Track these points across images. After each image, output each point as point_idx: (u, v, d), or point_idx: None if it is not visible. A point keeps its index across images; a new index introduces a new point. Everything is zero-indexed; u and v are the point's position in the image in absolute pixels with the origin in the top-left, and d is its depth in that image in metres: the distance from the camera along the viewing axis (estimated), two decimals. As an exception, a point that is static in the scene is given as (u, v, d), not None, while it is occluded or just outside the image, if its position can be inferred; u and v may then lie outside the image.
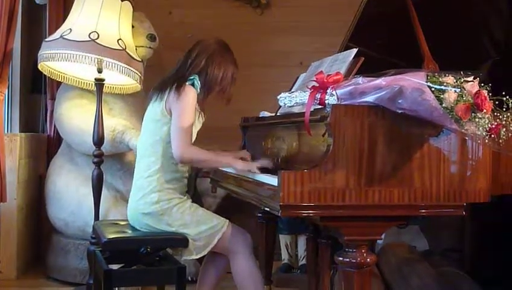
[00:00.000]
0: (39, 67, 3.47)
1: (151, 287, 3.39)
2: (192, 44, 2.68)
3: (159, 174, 2.51)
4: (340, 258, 1.96)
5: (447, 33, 2.78)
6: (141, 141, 2.64)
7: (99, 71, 3.32)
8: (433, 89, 1.82)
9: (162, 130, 2.52)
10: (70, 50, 3.24)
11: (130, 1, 3.56)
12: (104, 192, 3.53)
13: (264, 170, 2.39)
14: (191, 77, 2.55)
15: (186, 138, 2.45)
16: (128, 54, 3.36)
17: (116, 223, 2.72)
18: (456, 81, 1.85)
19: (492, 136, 1.87)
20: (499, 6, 3.06)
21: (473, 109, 1.82)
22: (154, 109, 2.57)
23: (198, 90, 2.55)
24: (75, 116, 3.72)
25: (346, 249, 1.96)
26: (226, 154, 2.71)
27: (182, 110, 2.47)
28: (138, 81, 3.48)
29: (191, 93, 2.50)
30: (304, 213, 1.86)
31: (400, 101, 1.82)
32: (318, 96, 1.99)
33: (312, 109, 2.02)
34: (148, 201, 2.49)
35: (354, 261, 1.93)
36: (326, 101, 1.97)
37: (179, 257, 2.54)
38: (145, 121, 2.64)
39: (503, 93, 1.86)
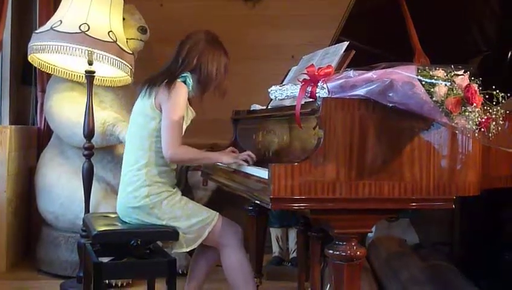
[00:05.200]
0: (29, 59, 3.44)
1: (142, 280, 3.39)
2: (182, 38, 2.63)
3: (148, 168, 2.49)
4: (330, 251, 1.96)
5: (438, 27, 2.79)
6: (129, 134, 2.62)
7: (90, 63, 3.30)
8: (423, 82, 1.82)
9: (151, 124, 2.49)
10: (61, 42, 3.22)
11: (121, -7, 3.54)
12: (95, 185, 3.52)
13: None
14: (184, 74, 2.52)
15: (176, 138, 2.43)
16: (119, 46, 3.34)
17: (107, 216, 2.71)
18: (447, 75, 1.85)
19: (482, 130, 1.88)
20: (490, 1, 3.07)
21: (463, 102, 1.82)
22: (143, 103, 2.54)
23: (190, 88, 2.54)
24: (65, 109, 3.70)
25: (337, 242, 1.96)
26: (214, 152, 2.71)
27: (173, 108, 2.44)
28: (129, 73, 3.46)
29: (182, 91, 2.47)
30: (295, 206, 1.86)
31: (390, 94, 1.82)
32: (309, 89, 1.99)
33: (303, 102, 2.01)
34: (138, 195, 2.48)
35: (344, 254, 1.93)
36: (317, 94, 1.97)
37: (169, 249, 2.54)
38: (134, 115, 2.62)
39: (493, 87, 1.87)
